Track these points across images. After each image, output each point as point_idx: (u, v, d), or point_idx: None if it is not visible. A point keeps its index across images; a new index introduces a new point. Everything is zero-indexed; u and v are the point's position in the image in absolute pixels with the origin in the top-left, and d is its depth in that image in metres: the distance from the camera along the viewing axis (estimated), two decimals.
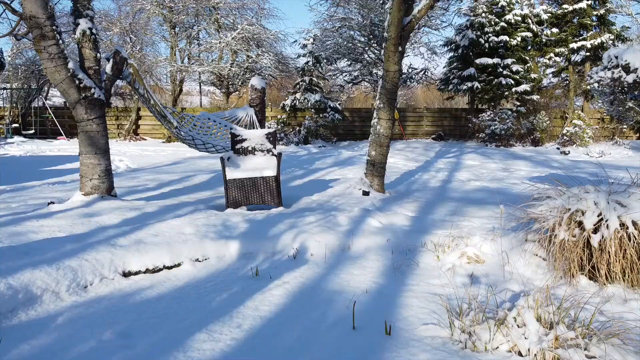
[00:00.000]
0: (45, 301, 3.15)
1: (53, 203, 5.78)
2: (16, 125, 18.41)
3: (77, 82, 5.61)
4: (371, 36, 19.68)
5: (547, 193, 3.56)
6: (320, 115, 18.22)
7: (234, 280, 3.58)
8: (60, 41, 5.48)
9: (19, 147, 15.81)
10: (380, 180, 6.95)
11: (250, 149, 6.05)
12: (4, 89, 19.13)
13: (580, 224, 3.24)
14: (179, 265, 3.91)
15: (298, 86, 18.91)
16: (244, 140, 6.04)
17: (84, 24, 5.69)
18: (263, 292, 3.30)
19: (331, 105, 18.42)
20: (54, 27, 5.37)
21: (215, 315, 2.95)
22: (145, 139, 19.83)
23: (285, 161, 12.55)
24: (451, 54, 20.01)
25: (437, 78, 21.64)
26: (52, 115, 18.72)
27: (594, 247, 3.15)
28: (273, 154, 5.98)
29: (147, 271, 3.79)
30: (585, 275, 3.22)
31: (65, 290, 3.29)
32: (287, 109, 18.65)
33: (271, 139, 6.08)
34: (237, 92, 20.52)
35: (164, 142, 18.49)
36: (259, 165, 5.76)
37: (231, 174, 5.44)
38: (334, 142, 18.45)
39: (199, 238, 4.15)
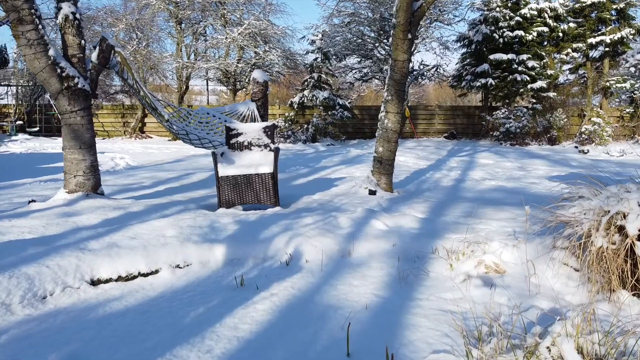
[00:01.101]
0: None
1: (34, 201, 5.36)
2: (20, 122, 18.15)
3: (58, 70, 5.19)
4: (381, 31, 19.15)
5: (579, 192, 3.04)
6: (329, 112, 17.73)
7: (215, 291, 3.11)
8: (40, 26, 5.06)
9: (22, 144, 15.52)
10: (388, 179, 6.45)
11: (246, 143, 5.59)
12: (9, 85, 18.89)
13: (621, 229, 2.72)
14: (156, 272, 3.45)
15: (306, 83, 18.45)
16: (239, 134, 5.58)
17: (66, 8, 5.26)
18: (246, 307, 2.83)
19: (340, 103, 17.92)
20: (32, 11, 4.95)
21: (185, 335, 2.48)
22: (151, 137, 19.50)
23: (290, 159, 12.09)
24: (464, 49, 19.42)
25: (449, 75, 21.03)
26: (57, 112, 18.41)
27: (638, 256, 2.63)
28: (270, 149, 5.51)
29: (119, 279, 3.33)
30: (628, 291, 2.70)
31: (18, 302, 2.84)
32: (295, 107, 18.19)
33: (269, 132, 5.61)
34: (244, 89, 20.10)
35: (169, 140, 18.13)
36: (254, 161, 5.30)
37: (224, 170, 4.98)
38: (342, 141, 17.96)
39: (180, 241, 3.69)
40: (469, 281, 3.06)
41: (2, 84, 18.62)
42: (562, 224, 3.05)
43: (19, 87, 18.96)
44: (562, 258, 3.02)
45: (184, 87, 19.97)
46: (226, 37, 18.55)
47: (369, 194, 6.13)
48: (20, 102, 18.79)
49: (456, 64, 20.31)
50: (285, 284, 3.16)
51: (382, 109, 6.45)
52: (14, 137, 17.07)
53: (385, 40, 19.21)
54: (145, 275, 3.42)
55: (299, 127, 18.05)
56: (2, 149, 14.61)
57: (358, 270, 3.39)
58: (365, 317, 2.65)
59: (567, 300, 2.81)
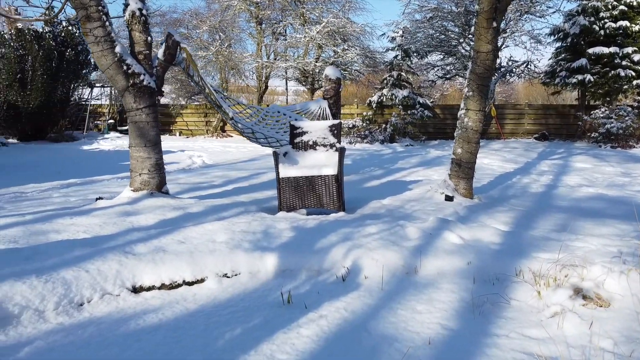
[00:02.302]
0: (24, 322, 2.54)
1: (101, 199, 5.38)
2: (112, 121, 19.18)
3: (124, 67, 5.14)
4: (466, 26, 18.12)
5: None
6: (408, 112, 17.04)
7: (258, 308, 2.77)
8: (107, 23, 5.03)
9: (112, 142, 16.37)
10: (467, 183, 5.83)
11: (310, 143, 5.24)
12: (103, 86, 20.05)
13: None
14: (201, 281, 3.19)
15: (385, 82, 17.88)
16: (304, 133, 5.25)
17: (133, 4, 5.20)
18: (288, 330, 2.46)
19: (420, 102, 17.17)
20: (99, 8, 4.93)
21: None
22: (232, 136, 19.86)
23: (365, 160, 11.65)
24: (558, 43, 17.86)
25: (540, 71, 19.48)
26: None
27: None
28: (336, 149, 5.12)
29: (162, 287, 3.10)
30: None
31: (52, 308, 2.67)
32: (374, 106, 17.69)
33: (335, 131, 5.22)
34: (321, 88, 19.89)
35: None
36: (318, 162, 4.93)
37: (285, 171, 4.66)
38: (422, 141, 17.19)
39: (230, 248, 3.40)
40: (562, 316, 2.47)
41: (98, 85, 19.78)
42: None
43: (112, 88, 20.07)
44: None
45: (264, 87, 20.14)
46: (304, 36, 18.45)
47: (445, 199, 5.56)
48: (113, 102, 19.88)
49: (549, 59, 18.77)
50: (337, 304, 2.76)
51: (462, 106, 5.85)
52: (106, 135, 18.08)
53: (470, 36, 18.16)
54: (190, 284, 3.16)
55: (376, 127, 17.52)
56: (94, 146, 15.48)
57: (424, 291, 2.90)
58: (427, 355, 2.18)
59: None
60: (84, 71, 17.27)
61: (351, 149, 14.74)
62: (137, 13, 5.21)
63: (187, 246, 3.41)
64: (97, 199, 5.34)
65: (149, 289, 3.07)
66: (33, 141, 16.16)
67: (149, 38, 5.35)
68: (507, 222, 4.32)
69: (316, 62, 18.90)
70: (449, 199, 5.57)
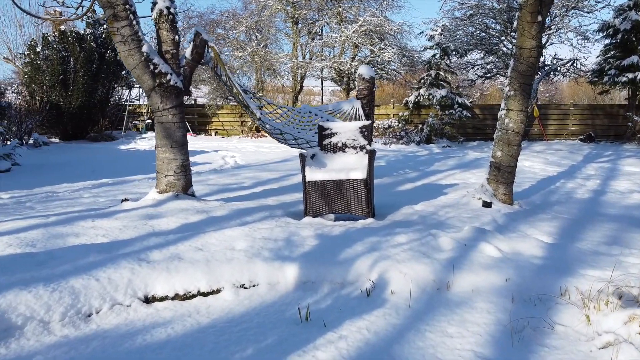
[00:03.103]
0: (27, 334, 2.42)
1: (127, 200, 5.30)
2: (149, 121, 19.46)
3: (151, 67, 5.05)
4: (508, 23, 17.45)
5: None
6: (446, 112, 16.56)
7: (274, 324, 2.56)
8: (135, 22, 4.94)
9: (148, 142, 16.57)
10: (507, 189, 5.46)
11: (340, 145, 5.00)
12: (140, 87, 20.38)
13: None
14: (217, 291, 3.01)
15: (423, 81, 17.45)
16: (333, 134, 5.02)
17: (161, 2, 5.10)
18: (304, 353, 2.24)
19: (459, 102, 16.65)
20: (127, 7, 4.85)
21: None
22: (266, 136, 19.81)
23: (400, 161, 11.32)
24: (607, 40, 16.97)
25: (587, 69, 18.58)
26: None
27: None
28: (366, 152, 4.87)
29: (176, 297, 2.94)
30: None
31: (58, 319, 2.55)
32: (410, 106, 17.29)
33: (366, 133, 4.97)
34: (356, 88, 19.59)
35: None
36: (347, 165, 4.70)
37: (311, 174, 4.45)
38: (460, 142, 16.67)
39: (248, 257, 3.21)
40: (616, 347, 2.16)
41: (137, 86, 20.14)
42: None
43: None
44: None
45: (299, 87, 20.03)
46: (340, 35, 18.21)
47: (483, 205, 5.22)
48: None
49: (597, 57, 17.87)
50: (359, 324, 2.52)
51: (502, 106, 5.49)
52: (143, 135, 18.37)
53: (512, 33, 17.50)
54: (205, 294, 2.99)
55: (413, 127, 17.11)
56: (131, 145, 15.72)
57: (456, 311, 2.63)
58: None
59: None
60: (123, 72, 17.58)
61: (386, 150, 14.42)
62: (165, 11, 5.11)
63: (204, 254, 3.24)
64: (122, 201, 5.27)
65: (162, 299, 2.91)
66: (74, 140, 16.58)
67: (177, 37, 5.25)
68: (550, 232, 3.97)
69: (352, 61, 18.63)
70: (486, 205, 5.23)
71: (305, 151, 4.69)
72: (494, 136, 5.56)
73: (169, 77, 5.13)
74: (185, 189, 5.41)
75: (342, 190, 4.41)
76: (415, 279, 2.93)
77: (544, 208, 5.55)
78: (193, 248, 3.35)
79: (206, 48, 5.43)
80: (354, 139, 4.97)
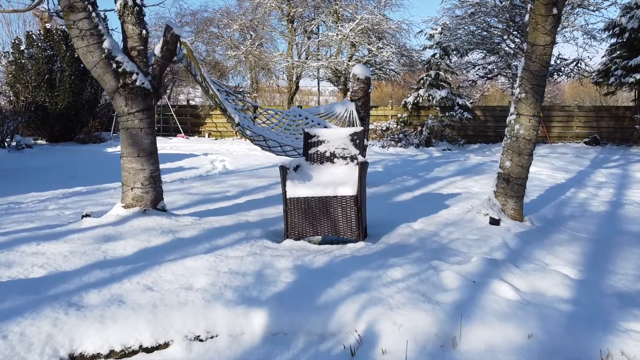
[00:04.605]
0: None
1: (89, 216, 4.69)
2: None
3: (114, 65, 4.44)
4: (510, 22, 16.87)
5: None
6: (447, 114, 15.94)
7: None
8: (94, 14, 4.33)
9: None
10: (516, 203, 4.85)
11: (328, 154, 4.39)
12: None
13: None
14: (165, 345, 2.40)
15: (422, 81, 16.82)
16: (320, 142, 4.40)
17: None
18: None
19: (460, 103, 16.03)
20: None
21: None
22: None
23: (398, 166, 10.70)
24: (614, 39, 16.37)
25: (592, 70, 17.97)
26: (173, 113, 18.90)
27: None
28: (357, 163, 4.26)
29: (111, 354, 2.33)
30: None
31: None
32: (409, 107, 16.67)
33: (357, 141, 4.36)
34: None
35: None
36: (335, 179, 4.09)
37: (294, 190, 3.83)
38: (461, 145, 16.05)
39: (206, 300, 2.59)
40: None
41: None
42: None
43: None
44: None
45: (294, 87, 19.41)
46: (337, 34, 17.60)
47: (490, 223, 4.62)
48: None
49: (602, 57, 17.28)
50: None
51: (511, 110, 4.88)
52: None
53: (514, 32, 16.92)
54: (149, 350, 2.38)
55: (412, 130, 16.51)
56: (118, 148, 15.08)
57: None
58: None
59: None
60: None
61: (384, 153, 13.81)
62: (130, 2, 4.49)
63: (153, 295, 2.63)
64: (83, 216, 4.66)
65: (93, 357, 2.30)
66: (61, 142, 15.95)
67: (144, 32, 4.63)
68: (573, 261, 3.36)
69: (349, 61, 18.02)
70: (494, 222, 4.62)
71: (288, 159, 4.07)
72: (502, 144, 4.95)
73: (134, 76, 4.52)
74: (155, 203, 4.80)
75: (329, 208, 3.80)
76: (413, 333, 2.32)
77: (557, 225, 4.94)
78: (141, 286, 2.74)
79: (178, 44, 4.82)
80: (344, 148, 4.35)
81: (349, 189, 3.75)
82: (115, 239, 3.81)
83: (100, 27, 4.38)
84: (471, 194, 6.84)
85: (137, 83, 4.54)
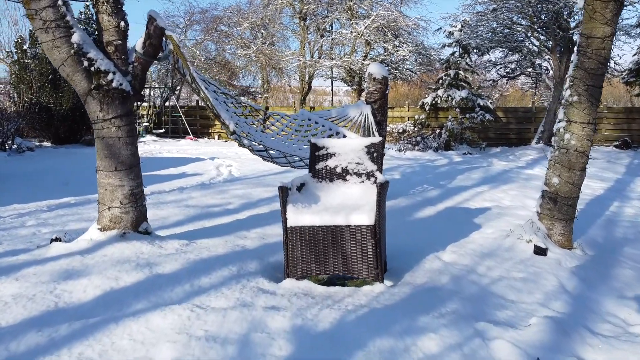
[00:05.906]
0: None
1: (58, 240, 4.00)
2: (146, 124, 18.27)
3: (85, 63, 3.73)
4: (535, 19, 15.91)
5: None
6: (467, 115, 15.05)
7: None
8: (60, 2, 3.63)
9: (144, 147, 15.32)
10: (565, 228, 4.05)
11: (339, 170, 3.63)
12: (148, 88, 19.21)
13: None
14: None
15: (441, 81, 15.95)
16: (329, 155, 3.64)
17: None
18: None
19: (481, 104, 15.13)
20: None
21: None
22: None
23: (417, 173, 9.88)
24: None
25: (622, 69, 16.93)
26: (181, 114, 18.29)
27: None
28: (376, 182, 3.49)
29: None
30: None
31: None
32: (427, 108, 15.81)
33: (375, 154, 3.59)
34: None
35: None
36: (348, 201, 3.32)
37: (296, 216, 3.08)
38: (482, 148, 15.14)
39: None
40: None
41: None
42: None
43: (150, 89, 19.19)
44: None
45: (306, 88, 18.66)
46: (351, 32, 16.80)
47: (535, 252, 3.82)
48: (152, 103, 18.99)
49: (634, 55, 16.29)
50: None
51: (560, 116, 4.08)
52: (141, 139, 17.13)
53: (539, 30, 15.95)
54: None
55: (430, 132, 15.65)
56: None
57: None
58: None
59: None
60: None
61: (400, 157, 12.99)
62: None
63: None
64: (52, 240, 3.98)
65: None
66: (66, 144, 15.42)
67: (122, 23, 3.91)
68: None
69: (364, 60, 17.22)
70: (540, 251, 3.82)
71: (288, 182, 3.30)
72: (549, 156, 4.15)
73: (110, 76, 3.81)
74: (136, 225, 4.08)
75: (340, 240, 3.04)
76: None
77: (613, 252, 4.13)
78: None
79: (164, 38, 4.10)
80: (359, 163, 3.59)
81: (365, 217, 2.98)
82: (78, 276, 3.10)
83: (68, 18, 3.67)
84: (502, 208, 6.03)
85: (114, 84, 3.82)
